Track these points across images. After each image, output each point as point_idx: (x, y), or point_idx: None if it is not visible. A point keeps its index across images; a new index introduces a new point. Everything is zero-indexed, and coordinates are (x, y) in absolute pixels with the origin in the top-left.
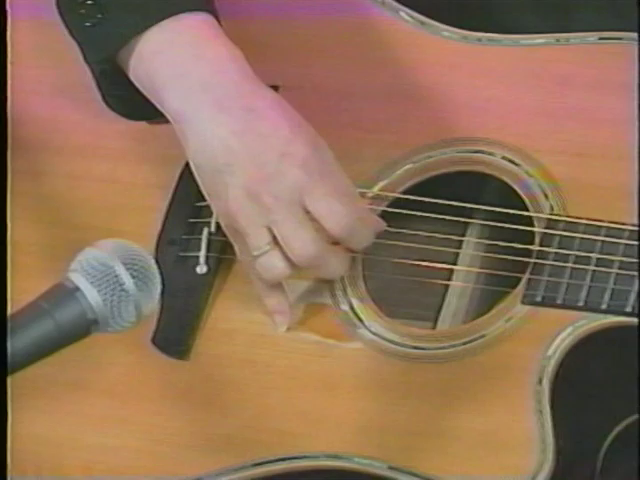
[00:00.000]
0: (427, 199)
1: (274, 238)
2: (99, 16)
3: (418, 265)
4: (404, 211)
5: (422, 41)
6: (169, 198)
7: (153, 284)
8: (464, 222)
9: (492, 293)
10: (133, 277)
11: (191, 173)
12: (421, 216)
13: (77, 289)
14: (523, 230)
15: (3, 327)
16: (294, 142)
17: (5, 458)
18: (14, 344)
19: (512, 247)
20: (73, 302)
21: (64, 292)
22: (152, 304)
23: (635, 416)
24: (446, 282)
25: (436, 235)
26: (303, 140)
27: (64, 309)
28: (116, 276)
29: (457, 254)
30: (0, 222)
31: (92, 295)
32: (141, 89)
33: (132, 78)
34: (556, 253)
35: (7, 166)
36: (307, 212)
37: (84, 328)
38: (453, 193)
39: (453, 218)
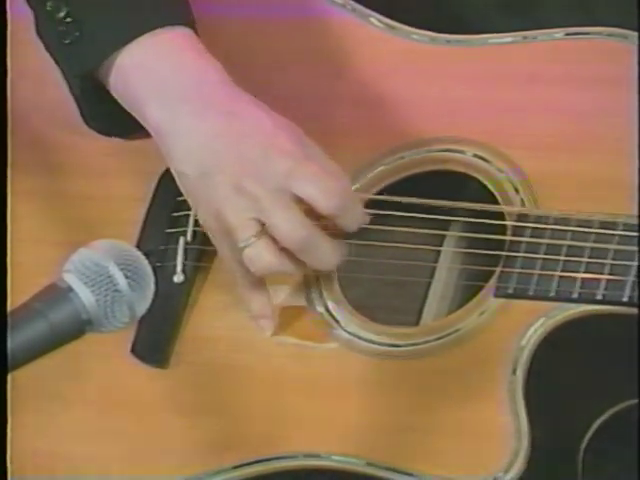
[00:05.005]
0: (399, 198)
1: (261, 230)
2: (77, 34)
3: (398, 266)
4: (379, 211)
5: (392, 45)
6: (145, 210)
7: (146, 284)
8: (442, 221)
9: (472, 294)
10: (127, 277)
11: (167, 185)
12: (395, 217)
13: (70, 289)
14: (497, 226)
15: (3, 332)
16: (278, 136)
17: (5, 460)
18: (8, 344)
19: (485, 242)
20: (66, 302)
21: (57, 292)
22: (145, 304)
23: (616, 407)
24: (426, 279)
25: (413, 236)
26: (288, 134)
27: (58, 309)
28: (109, 276)
29: (436, 254)
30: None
31: (85, 295)
32: (122, 103)
33: (112, 93)
34: (527, 246)
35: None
36: (297, 199)
37: (78, 328)
38: (427, 193)
39: (426, 216)
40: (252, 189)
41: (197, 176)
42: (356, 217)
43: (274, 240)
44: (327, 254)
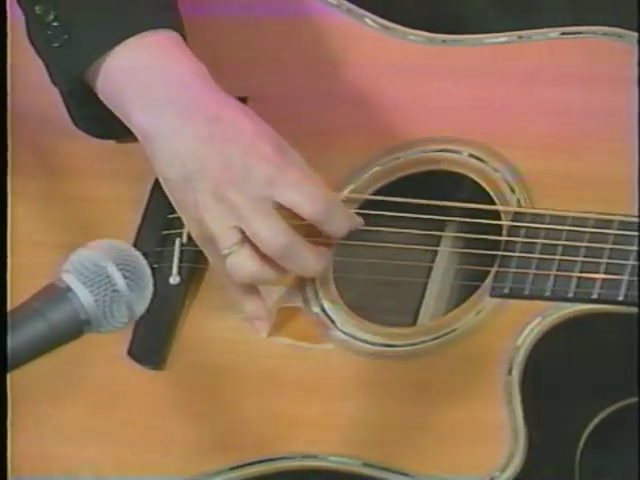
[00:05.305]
0: (395, 199)
1: (243, 238)
2: (65, 37)
3: (394, 266)
4: (375, 212)
5: (388, 45)
6: (142, 212)
7: (145, 284)
8: (438, 221)
9: (469, 293)
10: (125, 277)
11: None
12: (391, 218)
13: (69, 289)
14: (492, 226)
15: (3, 332)
16: (258, 141)
17: (5, 460)
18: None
19: (481, 242)
20: (65, 302)
21: (56, 292)
22: (144, 304)
23: (613, 407)
24: (423, 280)
25: (410, 236)
26: (267, 139)
27: (56, 310)
28: (108, 276)
29: (432, 254)
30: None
31: (84, 295)
32: (109, 106)
33: (100, 96)
34: (523, 245)
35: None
36: (278, 206)
37: (77, 328)
38: (423, 193)
39: (422, 216)
40: (232, 196)
41: (180, 181)
42: (342, 222)
43: (256, 248)
44: (309, 261)
